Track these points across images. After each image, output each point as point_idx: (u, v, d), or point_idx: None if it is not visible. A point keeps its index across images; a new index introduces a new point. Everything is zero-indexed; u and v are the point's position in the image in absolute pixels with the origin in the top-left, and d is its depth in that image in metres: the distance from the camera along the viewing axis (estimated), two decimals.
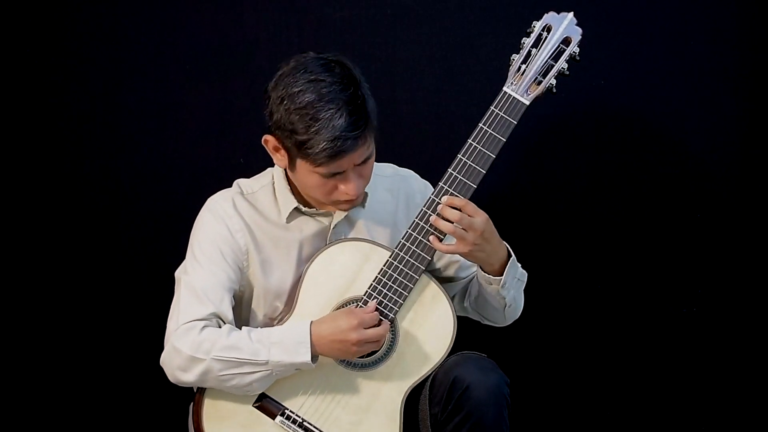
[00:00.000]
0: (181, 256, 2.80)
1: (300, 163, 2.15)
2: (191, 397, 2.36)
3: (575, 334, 2.87)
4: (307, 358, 2.11)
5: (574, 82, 2.26)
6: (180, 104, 2.81)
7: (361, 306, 2.16)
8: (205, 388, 2.18)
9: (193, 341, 2.13)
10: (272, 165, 2.30)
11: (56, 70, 2.80)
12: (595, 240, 2.84)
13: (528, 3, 2.68)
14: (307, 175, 2.16)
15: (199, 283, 2.19)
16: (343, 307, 2.19)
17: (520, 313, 2.34)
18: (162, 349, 2.91)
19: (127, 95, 2.82)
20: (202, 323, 2.15)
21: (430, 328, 2.18)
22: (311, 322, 2.13)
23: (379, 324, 2.13)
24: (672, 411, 2.87)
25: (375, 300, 2.15)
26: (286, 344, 2.12)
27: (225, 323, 2.18)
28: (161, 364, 2.19)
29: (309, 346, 2.11)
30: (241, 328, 2.17)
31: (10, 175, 2.83)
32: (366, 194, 2.28)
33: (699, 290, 2.83)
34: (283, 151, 2.17)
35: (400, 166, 2.42)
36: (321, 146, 2.08)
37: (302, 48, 2.72)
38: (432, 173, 2.40)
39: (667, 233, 2.82)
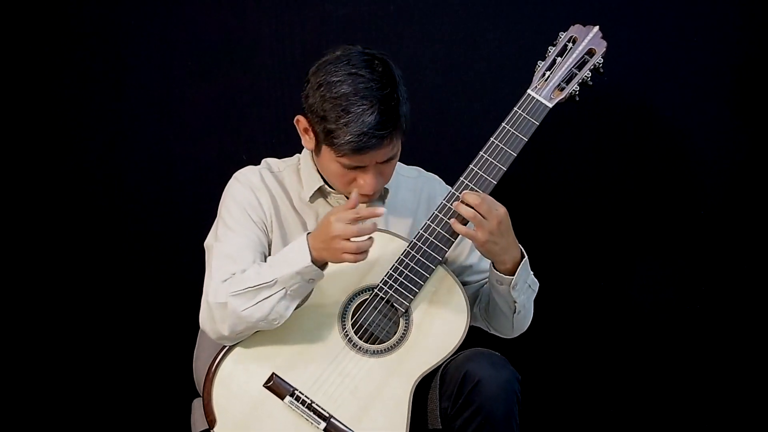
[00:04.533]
0: (183, 253, 2.80)
1: (325, 149, 2.19)
2: (192, 395, 2.35)
3: (582, 332, 2.87)
4: (308, 260, 2.10)
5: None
6: (182, 101, 2.83)
7: (376, 292, 2.18)
8: (216, 367, 2.18)
9: (218, 292, 2.15)
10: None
11: (59, 67, 2.82)
12: (599, 237, 2.85)
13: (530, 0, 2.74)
14: (330, 162, 2.20)
15: (231, 246, 2.22)
16: (360, 293, 2.21)
17: (527, 325, 2.34)
18: (161, 346, 2.89)
19: (129, 92, 2.83)
20: None
21: (443, 319, 2.19)
22: (308, 233, 2.15)
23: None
24: (677, 408, 2.87)
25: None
26: (287, 257, 2.13)
27: None
28: (201, 326, 2.20)
29: (307, 250, 2.10)
30: None
31: (13, 172, 2.82)
32: (387, 191, 2.32)
33: (702, 287, 2.84)
34: (311, 134, 2.22)
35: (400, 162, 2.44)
36: (347, 139, 2.12)
37: (304, 45, 2.77)
38: (432, 169, 2.45)
39: (671, 230, 2.83)
